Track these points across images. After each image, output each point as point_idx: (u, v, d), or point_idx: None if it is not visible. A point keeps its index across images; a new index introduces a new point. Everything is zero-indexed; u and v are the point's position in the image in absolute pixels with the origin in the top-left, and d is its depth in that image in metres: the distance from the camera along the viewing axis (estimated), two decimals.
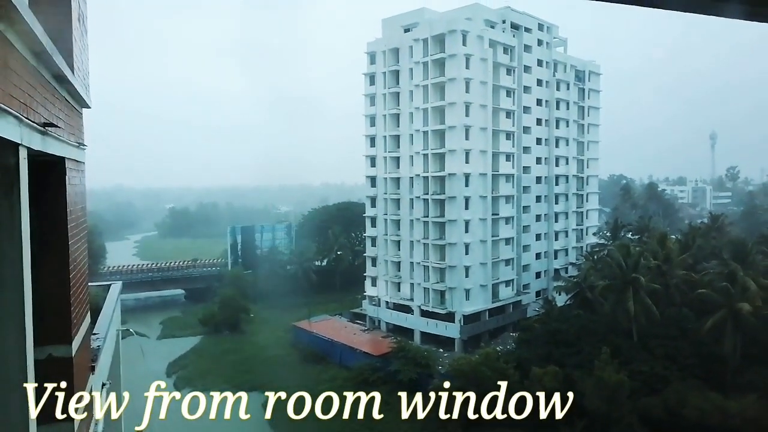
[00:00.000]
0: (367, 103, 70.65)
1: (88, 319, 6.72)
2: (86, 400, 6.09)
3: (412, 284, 64.59)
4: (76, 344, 5.61)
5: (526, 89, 70.54)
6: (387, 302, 67.08)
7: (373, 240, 70.67)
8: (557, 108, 74.70)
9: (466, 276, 60.50)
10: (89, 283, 8.35)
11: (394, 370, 51.37)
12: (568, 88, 76.38)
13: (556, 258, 75.29)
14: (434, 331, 60.85)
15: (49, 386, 5.13)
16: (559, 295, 63.08)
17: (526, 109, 70.56)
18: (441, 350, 58.03)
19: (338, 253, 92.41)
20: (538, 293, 71.14)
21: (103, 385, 8.01)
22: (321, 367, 58.86)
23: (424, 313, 62.37)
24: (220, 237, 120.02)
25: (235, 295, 76.97)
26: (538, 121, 72.70)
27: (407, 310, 64.39)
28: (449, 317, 60.12)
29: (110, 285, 11.80)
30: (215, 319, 74.04)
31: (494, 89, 64.06)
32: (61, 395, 5.26)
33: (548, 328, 53.16)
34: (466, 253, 60.67)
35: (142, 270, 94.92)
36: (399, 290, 66.26)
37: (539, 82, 72.76)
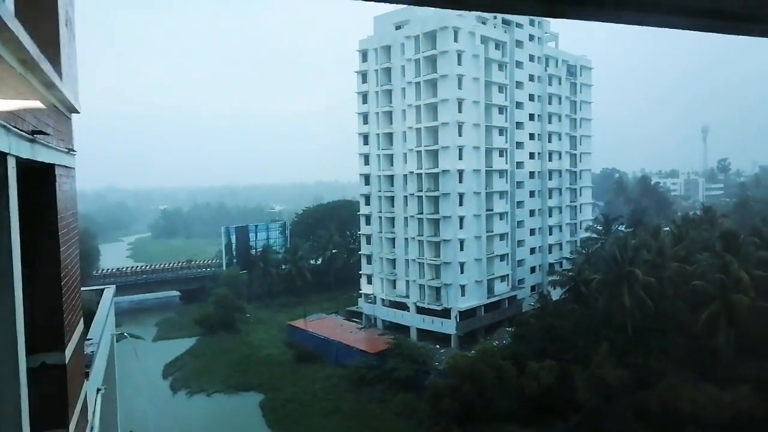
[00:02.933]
0: (360, 101, 70.57)
1: (81, 325, 6.69)
2: (81, 407, 6.07)
3: (407, 281, 64.67)
4: (69, 351, 5.58)
5: (519, 85, 70.65)
6: (383, 300, 67.14)
7: (368, 238, 70.68)
8: (549, 103, 74.88)
9: (461, 272, 60.63)
10: (82, 288, 8.32)
11: (391, 367, 51.45)
12: (560, 83, 76.60)
13: (550, 252, 75.60)
14: (430, 328, 60.96)
15: (43, 394, 5.11)
16: (554, 289, 63.32)
17: (519, 105, 70.68)
18: (437, 347, 58.14)
19: (333, 251, 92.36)
20: (533, 288, 71.42)
21: (98, 390, 7.98)
22: (317, 366, 58.86)
23: (420, 310, 62.46)
24: (213, 237, 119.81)
25: (229, 295, 76.80)
26: (531, 117, 72.86)
27: (403, 307, 64.47)
28: (445, 314, 60.24)
29: (104, 289, 11.75)
30: (210, 320, 73.88)
31: (486, 85, 64.12)
32: (55, 403, 5.24)
33: (543, 323, 53.37)
34: (461, 250, 60.78)
35: (136, 272, 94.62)
36: (394, 287, 66.32)
37: (531, 78, 72.90)
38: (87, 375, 6.94)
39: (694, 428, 37.49)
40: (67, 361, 5.44)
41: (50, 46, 5.72)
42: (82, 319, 6.77)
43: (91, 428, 6.87)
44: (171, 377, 59.93)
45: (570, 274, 61.83)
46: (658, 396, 40.09)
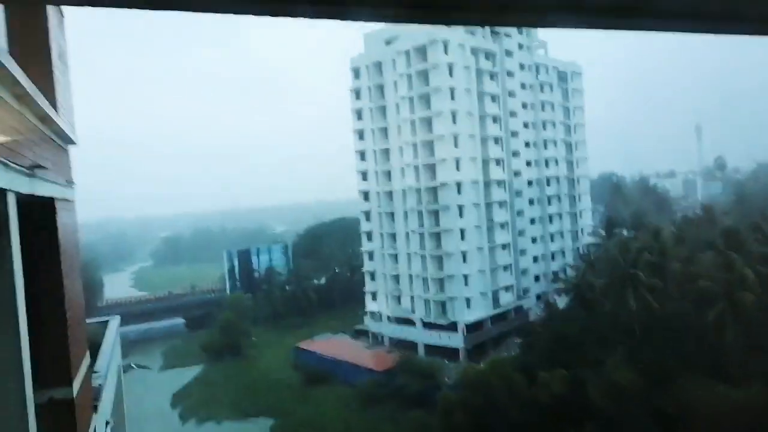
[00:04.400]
0: (355, 118, 70.96)
1: (87, 358, 6.64)
2: None
3: (412, 297, 64.42)
4: (76, 385, 5.54)
5: (511, 94, 71.03)
6: (388, 316, 66.82)
7: (370, 254, 70.56)
8: (543, 110, 75.26)
9: (466, 284, 60.41)
10: (87, 320, 8.28)
11: (400, 384, 51.03)
12: (551, 90, 77.06)
13: (553, 260, 75.39)
14: (438, 343, 60.56)
15: (52, 430, 5.06)
16: (560, 297, 63.04)
17: (513, 114, 71.00)
18: (446, 361, 57.69)
19: (336, 269, 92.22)
20: (538, 297, 71.07)
21: (107, 423, 7.90)
22: (326, 387, 58.38)
23: (427, 325, 62.12)
24: (216, 262, 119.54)
25: (235, 319, 76.45)
26: (525, 125, 73.14)
27: (409, 323, 64.13)
28: (452, 327, 59.90)
29: (108, 320, 11.69)
30: (216, 346, 73.47)
31: (479, 96, 64.52)
32: None
33: (551, 331, 53.03)
34: (464, 262, 60.63)
35: (141, 301, 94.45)
36: (399, 303, 66.05)
37: (523, 86, 73.32)
38: (95, 408, 6.88)
39: (710, 429, 37.05)
40: (75, 396, 5.39)
41: (44, 79, 5.76)
42: (88, 352, 6.73)
43: None
44: (180, 406, 59.45)
45: (574, 280, 61.64)
46: (671, 398, 39.69)
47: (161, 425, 53.72)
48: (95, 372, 7.87)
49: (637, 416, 37.74)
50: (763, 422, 36.80)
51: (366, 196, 70.59)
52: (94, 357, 8.59)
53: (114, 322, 11.49)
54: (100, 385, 7.53)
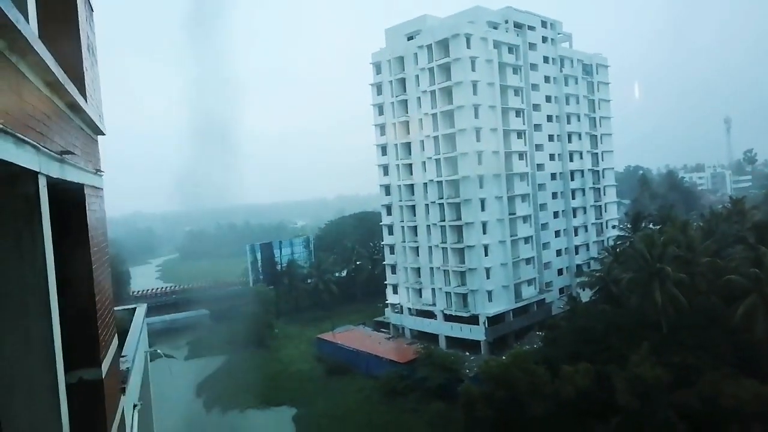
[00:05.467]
0: (376, 113, 70.94)
1: (115, 342, 6.79)
2: (118, 422, 6.15)
3: (433, 289, 64.37)
4: (105, 367, 5.67)
5: (534, 87, 70.26)
6: (409, 309, 66.92)
7: (392, 248, 70.65)
8: (567, 103, 74.26)
9: (488, 277, 60.12)
10: (114, 308, 8.47)
11: (422, 376, 51.11)
12: (576, 83, 75.96)
13: (577, 254, 74.55)
14: (459, 335, 60.48)
15: (82, 409, 5.19)
16: (584, 290, 62.34)
17: (536, 107, 70.23)
18: (467, 354, 57.62)
19: (357, 263, 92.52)
20: (561, 290, 70.42)
21: (135, 406, 8.09)
22: (348, 379, 58.78)
23: (448, 318, 62.05)
24: (239, 255, 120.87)
25: (258, 311, 77.35)
26: (549, 118, 72.28)
27: (430, 315, 64.14)
28: (473, 320, 59.74)
29: (135, 308, 11.92)
30: (240, 337, 74.38)
31: (502, 89, 63.92)
32: (93, 417, 5.32)
33: (575, 325, 52.52)
34: (486, 255, 60.33)
35: (166, 293, 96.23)
36: (421, 296, 66.07)
37: (547, 79, 72.44)
38: (123, 391, 7.03)
39: (739, 426, 36.35)
40: (103, 377, 5.52)
41: (74, 69, 5.87)
42: (116, 336, 6.88)
43: None
44: (204, 395, 60.47)
45: (599, 274, 60.85)
46: (698, 394, 39.01)
47: (187, 412, 54.72)
48: (123, 356, 8.04)
49: (662, 412, 37.18)
50: None
51: (387, 189, 70.63)
52: (121, 343, 8.79)
53: (141, 309, 11.71)
54: (127, 369, 7.70)
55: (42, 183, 4.14)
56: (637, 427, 36.96)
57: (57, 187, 5.01)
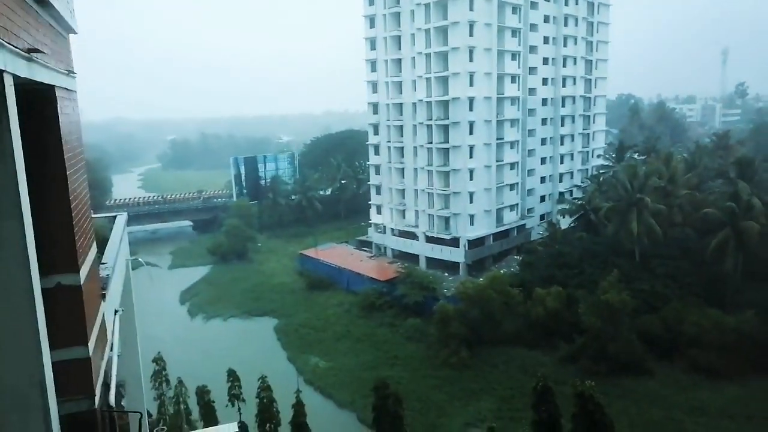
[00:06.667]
0: (367, 25, 68.16)
1: (94, 249, 6.78)
2: (99, 326, 6.26)
3: (416, 211, 64.96)
4: (83, 272, 5.68)
5: (533, 5, 67.54)
6: (392, 229, 67.80)
7: (377, 168, 70.40)
8: (565, 25, 71.72)
9: (471, 202, 60.64)
10: (94, 215, 8.39)
11: (400, 294, 52.67)
12: (576, 3, 73.06)
13: (561, 181, 75.01)
14: (439, 257, 61.83)
15: (61, 313, 5.25)
16: (564, 218, 63.46)
17: (533, 27, 67.87)
18: (446, 274, 59.20)
19: (342, 182, 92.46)
20: (542, 217, 71.54)
21: (116, 312, 8.22)
22: (329, 293, 60.41)
23: (429, 239, 63.12)
24: (223, 168, 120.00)
25: (241, 225, 77.87)
26: (545, 40, 70.08)
27: (412, 236, 65.16)
28: (454, 242, 60.90)
29: (116, 216, 11.86)
30: (223, 249, 75.38)
31: (500, 7, 61.45)
32: (73, 322, 5.40)
33: (551, 250, 53.92)
34: (471, 179, 60.49)
35: (149, 202, 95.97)
36: (404, 217, 66.75)
37: None
38: (104, 297, 7.11)
39: (696, 351, 38.52)
40: (82, 282, 5.54)
41: None
42: (95, 243, 6.85)
43: (111, 346, 7.12)
44: (188, 303, 61.99)
45: (580, 202, 61.78)
46: (662, 320, 40.95)
47: (170, 319, 56.30)
48: (103, 263, 8.08)
49: (625, 335, 39.12)
50: (751, 348, 38.12)
51: (375, 108, 69.28)
52: (102, 250, 8.79)
53: (122, 217, 11.66)
54: (107, 275, 7.75)
55: (9, 82, 3.92)
56: (600, 347, 38.95)
57: (26, 88, 4.78)
